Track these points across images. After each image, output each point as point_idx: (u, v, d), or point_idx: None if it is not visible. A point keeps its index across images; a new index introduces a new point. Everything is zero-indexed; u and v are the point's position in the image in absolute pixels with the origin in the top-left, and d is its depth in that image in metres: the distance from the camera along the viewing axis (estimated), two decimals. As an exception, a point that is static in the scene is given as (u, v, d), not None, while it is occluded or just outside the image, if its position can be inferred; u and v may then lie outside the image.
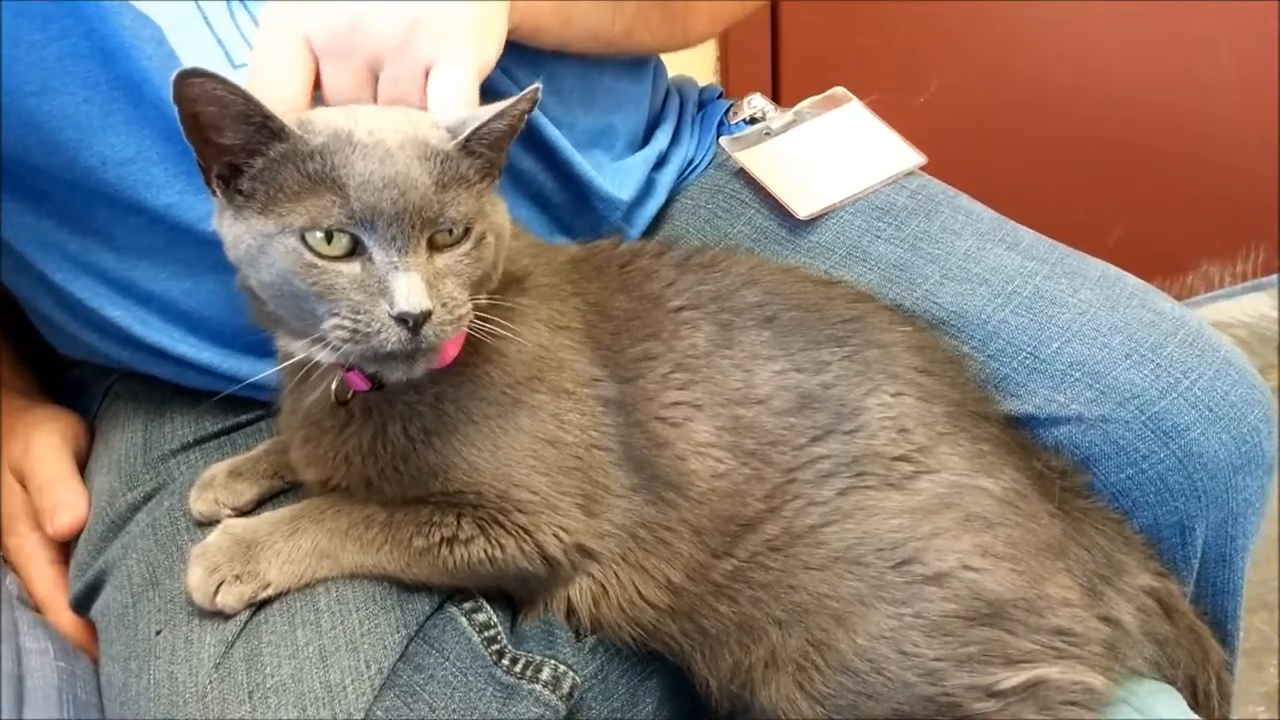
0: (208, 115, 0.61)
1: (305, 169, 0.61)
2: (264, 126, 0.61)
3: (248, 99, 0.60)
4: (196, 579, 0.70)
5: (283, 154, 0.61)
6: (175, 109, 0.61)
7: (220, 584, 0.70)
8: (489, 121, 0.63)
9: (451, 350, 0.67)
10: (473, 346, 0.69)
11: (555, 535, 0.72)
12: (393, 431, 0.70)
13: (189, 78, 0.59)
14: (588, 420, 0.73)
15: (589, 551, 0.73)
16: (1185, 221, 2.00)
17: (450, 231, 0.63)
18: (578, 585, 0.74)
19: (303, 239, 0.61)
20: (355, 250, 0.62)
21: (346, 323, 0.61)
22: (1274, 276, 2.12)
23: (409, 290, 0.60)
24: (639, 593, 0.73)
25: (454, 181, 0.63)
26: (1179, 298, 2.07)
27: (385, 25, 0.66)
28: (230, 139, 0.62)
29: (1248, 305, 2.10)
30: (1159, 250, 2.02)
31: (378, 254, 0.61)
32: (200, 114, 0.61)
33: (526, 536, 0.71)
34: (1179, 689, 0.82)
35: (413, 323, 0.61)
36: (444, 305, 0.62)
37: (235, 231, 0.64)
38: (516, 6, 0.74)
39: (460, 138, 0.63)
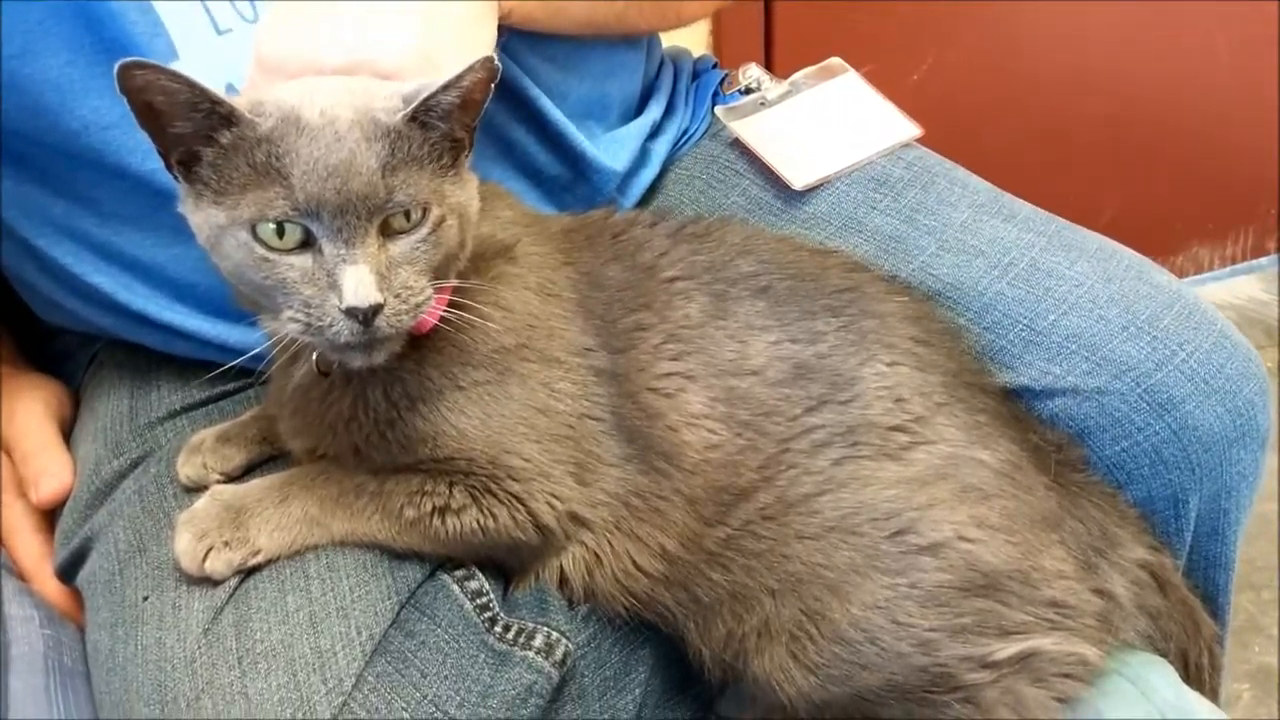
0: (159, 104, 0.59)
1: (252, 158, 0.59)
2: (213, 113, 0.59)
3: (193, 86, 0.58)
4: (184, 545, 0.69)
5: (232, 142, 0.60)
6: (124, 100, 0.59)
7: (209, 550, 0.69)
8: (436, 93, 0.60)
9: (430, 319, 0.66)
10: (460, 311, 0.68)
11: (548, 503, 0.71)
12: (374, 398, 0.69)
13: (131, 69, 0.58)
14: (579, 390, 0.72)
15: (582, 520, 0.72)
16: (1176, 204, 2.00)
17: (407, 215, 0.61)
18: (571, 554, 0.74)
19: (253, 233, 0.60)
20: (307, 242, 0.60)
21: (300, 316, 0.61)
22: (1263, 259, 2.13)
23: (357, 284, 0.59)
24: (633, 561, 0.73)
25: (405, 162, 0.61)
26: (1169, 280, 2.08)
27: (371, 75, 0.65)
28: (182, 127, 0.60)
29: (1237, 288, 2.11)
30: (1150, 232, 2.01)
31: (326, 246, 0.60)
32: (152, 103, 0.59)
33: (519, 505, 0.71)
34: (1171, 662, 0.82)
35: (363, 316, 0.59)
36: (397, 296, 0.61)
37: (196, 220, 0.63)
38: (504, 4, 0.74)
39: (407, 110, 0.60)
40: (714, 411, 0.72)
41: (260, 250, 0.60)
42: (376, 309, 0.60)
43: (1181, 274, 2.09)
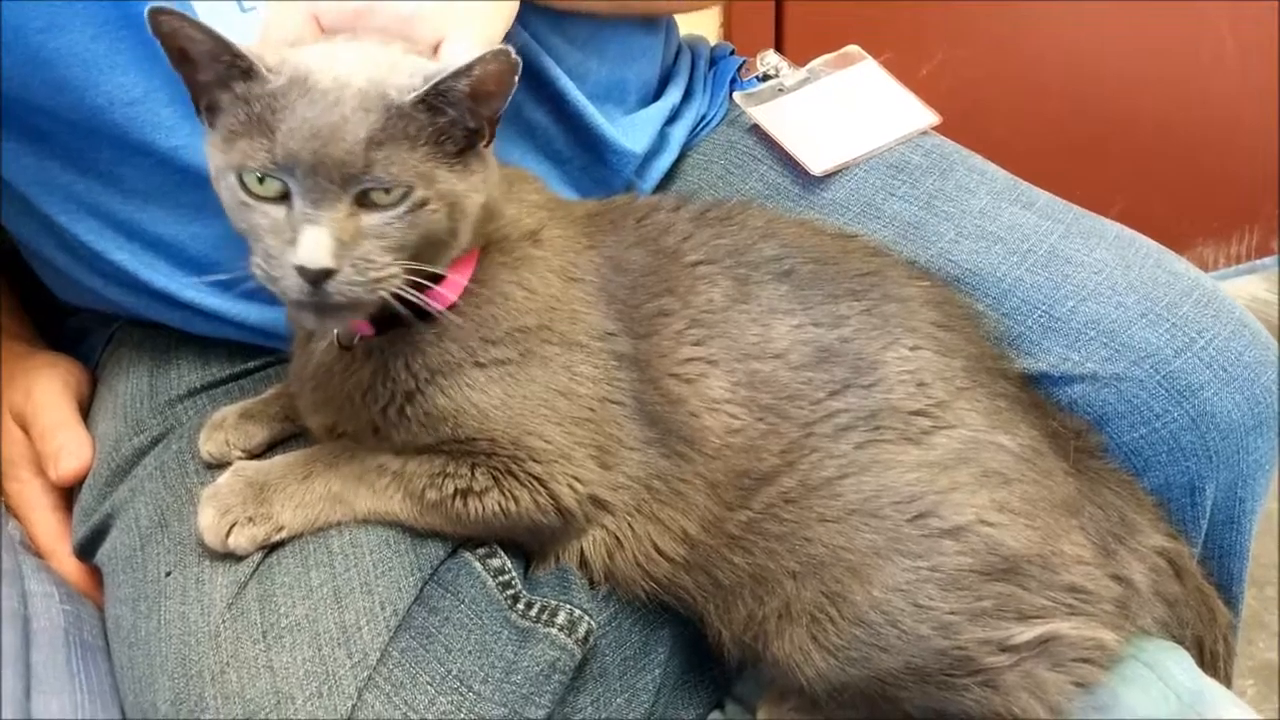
0: (187, 48, 0.61)
1: (251, 110, 0.61)
2: (233, 65, 0.61)
3: (215, 38, 0.60)
4: (208, 520, 0.69)
5: (243, 93, 0.61)
6: (158, 43, 0.61)
7: (232, 526, 0.69)
8: (447, 79, 0.60)
9: (451, 293, 0.66)
10: (481, 288, 0.68)
11: (570, 485, 0.71)
12: (395, 367, 0.69)
13: (158, 14, 0.59)
14: (600, 373, 0.72)
15: (603, 503, 0.72)
16: (1181, 203, 2.00)
17: (387, 191, 0.61)
18: (591, 537, 0.73)
19: (239, 177, 0.61)
20: (285, 196, 0.61)
21: (260, 263, 0.61)
22: (1267, 259, 2.13)
23: (311, 245, 0.59)
24: (654, 545, 0.73)
25: (397, 140, 0.61)
26: (1173, 279, 2.09)
27: (391, 11, 0.66)
28: (205, 75, 0.62)
29: (1242, 287, 2.11)
30: (1155, 231, 2.00)
31: (297, 202, 0.60)
32: (184, 47, 0.61)
33: (540, 487, 0.71)
34: (1187, 649, 0.82)
35: (311, 277, 0.60)
36: (353, 266, 0.60)
37: (209, 162, 0.64)
38: None
39: (417, 93, 0.60)
40: (736, 396, 0.72)
41: (242, 194, 0.61)
42: (326, 273, 0.60)
43: (1187, 273, 2.10)
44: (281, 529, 0.70)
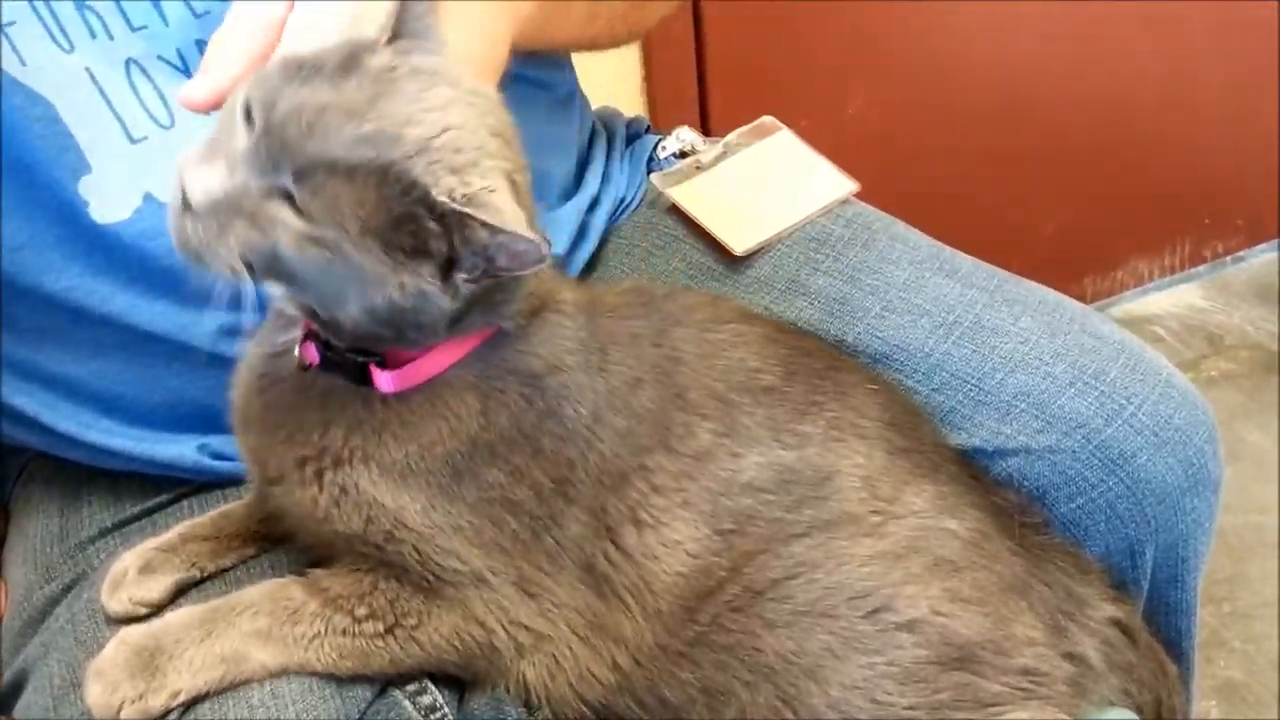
0: None
1: None
2: None
3: None
4: (95, 698, 0.65)
5: None
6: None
7: (122, 703, 0.64)
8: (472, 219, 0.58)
9: (400, 383, 0.63)
10: (431, 399, 0.65)
11: (494, 612, 0.68)
12: (333, 427, 0.64)
13: None
14: (541, 510, 0.67)
15: (533, 630, 0.69)
16: (1113, 219, 2.03)
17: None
18: (531, 660, 0.70)
19: None
20: None
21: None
22: (1201, 267, 2.16)
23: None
24: (588, 669, 0.70)
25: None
26: (1110, 293, 2.11)
27: None
28: None
29: (1176, 297, 2.14)
30: (1089, 249, 2.05)
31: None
32: None
33: (464, 612, 0.68)
34: (1145, 701, 0.82)
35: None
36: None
37: None
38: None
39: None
40: (698, 533, 0.70)
41: None
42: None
43: (1122, 287, 2.12)
44: (178, 694, 0.65)
